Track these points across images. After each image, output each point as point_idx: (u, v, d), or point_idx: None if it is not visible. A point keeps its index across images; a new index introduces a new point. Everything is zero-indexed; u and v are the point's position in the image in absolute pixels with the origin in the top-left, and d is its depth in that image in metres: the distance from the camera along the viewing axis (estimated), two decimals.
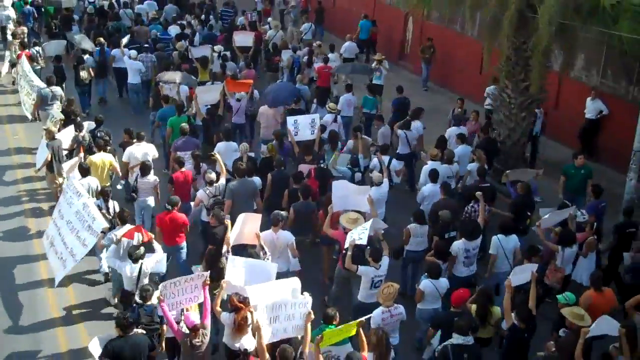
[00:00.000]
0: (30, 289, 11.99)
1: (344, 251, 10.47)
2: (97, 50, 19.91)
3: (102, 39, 20.40)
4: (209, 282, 9.07)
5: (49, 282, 11.87)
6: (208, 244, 10.87)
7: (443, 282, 10.11)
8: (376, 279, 9.99)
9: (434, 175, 12.93)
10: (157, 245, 10.67)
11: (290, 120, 14.95)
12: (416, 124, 15.70)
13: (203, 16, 25.01)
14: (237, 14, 25.94)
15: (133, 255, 10.02)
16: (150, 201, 12.92)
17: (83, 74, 18.86)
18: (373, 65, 19.29)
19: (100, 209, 11.48)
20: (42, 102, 16.68)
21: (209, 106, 16.14)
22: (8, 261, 12.75)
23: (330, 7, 28.17)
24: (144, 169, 12.79)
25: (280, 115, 16.06)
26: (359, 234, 10.12)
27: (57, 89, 17.03)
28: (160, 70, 18.83)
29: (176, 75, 17.26)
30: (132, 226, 10.84)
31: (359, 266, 9.99)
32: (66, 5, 24.89)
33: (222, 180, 12.47)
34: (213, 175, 12.31)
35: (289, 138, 14.75)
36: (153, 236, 10.72)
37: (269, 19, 25.51)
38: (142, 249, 10.17)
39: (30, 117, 17.69)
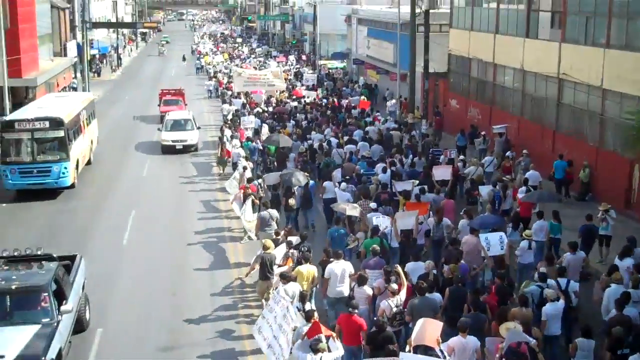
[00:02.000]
0: None
1: None
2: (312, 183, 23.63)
3: (307, 174, 24.28)
4: None
5: None
6: None
7: None
8: None
9: (626, 298, 13.86)
10: (338, 344, 12.67)
11: (482, 237, 17.32)
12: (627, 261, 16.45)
13: (411, 156, 27.81)
14: (442, 153, 28.66)
15: (313, 348, 12.11)
16: (364, 308, 14.93)
17: (291, 201, 22.65)
18: (599, 215, 19.81)
19: (299, 310, 13.99)
20: (262, 224, 20.29)
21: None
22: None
23: (547, 152, 28.66)
24: (361, 280, 15.09)
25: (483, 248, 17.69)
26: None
27: (274, 212, 20.74)
28: (357, 199, 21.76)
29: (346, 206, 20.24)
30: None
31: None
32: (283, 145, 29.58)
33: (403, 292, 14.48)
34: (394, 287, 14.37)
35: (482, 253, 16.96)
36: (334, 334, 12.81)
37: (461, 157, 28.33)
38: (323, 344, 12.18)
39: (254, 238, 21.15)
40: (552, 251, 18.75)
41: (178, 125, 38.18)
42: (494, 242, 17.18)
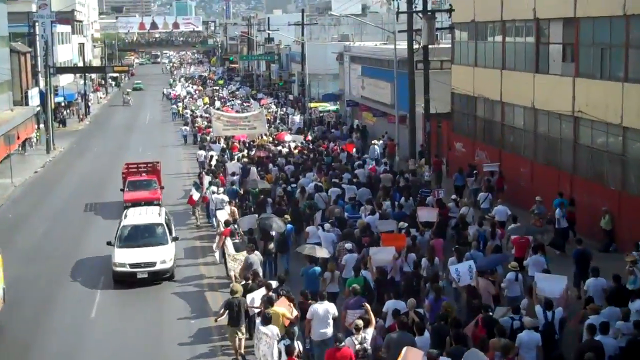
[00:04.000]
0: None
1: None
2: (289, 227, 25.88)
3: (285, 218, 26.49)
4: None
5: None
6: None
7: None
8: None
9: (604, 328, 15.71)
10: None
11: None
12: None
13: (403, 199, 29.73)
14: (431, 193, 30.57)
15: None
16: None
17: (270, 245, 24.95)
18: (627, 267, 20.16)
19: (285, 346, 15.90)
20: (247, 267, 22.28)
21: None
22: None
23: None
24: (365, 322, 16.71)
25: (492, 287, 19.45)
26: None
27: (258, 254, 23.17)
28: (340, 240, 23.98)
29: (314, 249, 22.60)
30: None
31: None
32: (262, 187, 32.39)
33: (370, 330, 16.35)
34: (360, 323, 16.25)
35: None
36: None
37: (453, 196, 30.47)
38: None
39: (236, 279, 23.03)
40: None
41: (140, 236, 26.76)
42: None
